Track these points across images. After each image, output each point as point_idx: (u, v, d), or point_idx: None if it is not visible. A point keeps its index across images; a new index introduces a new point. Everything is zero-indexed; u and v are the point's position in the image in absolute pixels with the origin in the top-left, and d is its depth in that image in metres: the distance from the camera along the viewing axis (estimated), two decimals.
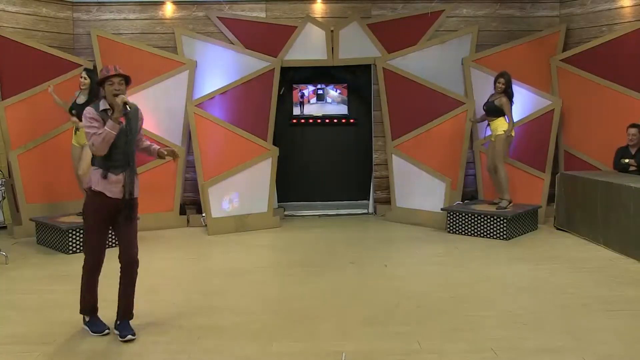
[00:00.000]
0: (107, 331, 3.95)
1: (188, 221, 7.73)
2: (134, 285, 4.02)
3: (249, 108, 7.95)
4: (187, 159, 7.98)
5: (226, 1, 8.21)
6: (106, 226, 3.95)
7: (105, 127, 3.70)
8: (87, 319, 4.02)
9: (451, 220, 7.11)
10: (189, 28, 8.18)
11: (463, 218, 6.99)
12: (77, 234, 6.25)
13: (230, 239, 7.00)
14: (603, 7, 7.94)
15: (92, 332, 3.95)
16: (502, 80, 7.01)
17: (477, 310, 4.35)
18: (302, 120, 8.93)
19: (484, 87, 7.78)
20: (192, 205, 8.12)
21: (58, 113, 6.67)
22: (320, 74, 8.74)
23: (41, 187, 7.19)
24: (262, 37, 8.19)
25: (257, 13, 8.29)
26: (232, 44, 8.19)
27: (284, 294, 4.86)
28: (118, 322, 3.96)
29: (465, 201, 7.76)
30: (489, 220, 6.77)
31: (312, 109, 8.92)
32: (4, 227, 7.39)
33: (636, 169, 6.91)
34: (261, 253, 6.44)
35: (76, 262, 5.82)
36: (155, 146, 4.16)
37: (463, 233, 6.99)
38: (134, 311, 4.00)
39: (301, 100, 8.85)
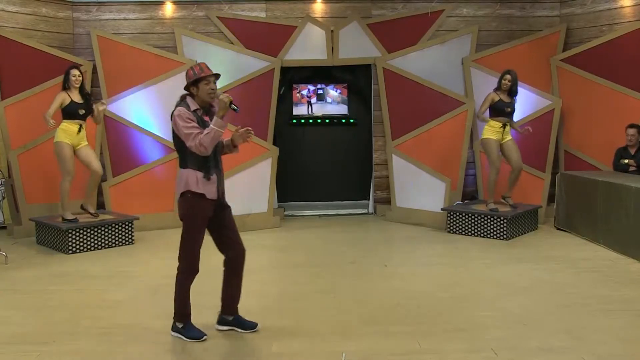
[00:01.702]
0: (205, 337, 3.81)
1: None
2: (242, 279, 4.01)
3: (249, 108, 7.94)
4: None
5: (226, 1, 8.21)
6: (204, 229, 3.85)
7: (212, 126, 3.61)
8: (179, 325, 3.85)
9: (451, 220, 7.11)
10: (189, 28, 8.18)
11: (463, 218, 6.99)
12: (77, 234, 6.25)
13: None
14: (603, 7, 7.95)
15: (188, 337, 3.80)
16: (508, 77, 6.89)
17: (477, 310, 4.35)
18: (302, 120, 8.93)
19: (484, 87, 7.77)
20: None
21: (58, 113, 6.67)
22: (320, 74, 8.75)
23: (41, 187, 7.18)
24: (262, 37, 8.19)
25: (257, 13, 8.29)
26: (232, 44, 8.19)
27: (284, 294, 4.86)
28: (231, 318, 3.97)
29: (465, 201, 7.76)
30: (489, 220, 6.77)
31: (312, 109, 8.93)
32: (4, 227, 7.39)
33: (636, 169, 6.92)
34: (261, 253, 6.43)
35: (76, 262, 5.85)
36: (227, 140, 4.00)
37: (463, 233, 6.99)
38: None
39: (309, 99, 8.86)
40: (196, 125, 3.66)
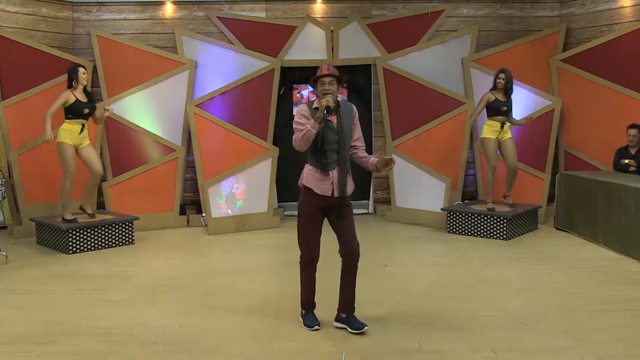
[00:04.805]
0: (316, 327, 3.98)
1: (188, 221, 7.74)
2: (355, 278, 4.01)
3: (249, 108, 7.95)
4: (187, 158, 7.99)
5: (226, 1, 8.21)
6: (317, 222, 3.91)
7: (307, 125, 3.72)
8: (303, 311, 4.11)
9: (451, 220, 7.11)
10: (189, 28, 8.18)
11: (463, 218, 6.99)
12: (77, 234, 6.25)
13: (230, 239, 7.00)
14: (603, 7, 7.95)
15: (304, 325, 4.03)
16: (502, 75, 6.91)
17: (477, 310, 4.35)
18: None
19: (484, 87, 7.75)
20: (192, 205, 8.12)
21: (58, 113, 6.66)
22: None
23: (41, 187, 7.18)
24: (262, 37, 8.19)
25: (257, 13, 8.29)
26: (232, 44, 8.19)
27: (284, 294, 4.85)
28: (344, 316, 4.01)
29: (465, 201, 7.76)
30: (489, 220, 6.77)
31: None
32: (4, 227, 7.39)
33: (636, 169, 6.92)
34: (261, 253, 6.44)
35: (76, 262, 5.86)
36: (373, 159, 3.93)
37: (463, 233, 6.98)
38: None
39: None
40: (303, 122, 3.76)
